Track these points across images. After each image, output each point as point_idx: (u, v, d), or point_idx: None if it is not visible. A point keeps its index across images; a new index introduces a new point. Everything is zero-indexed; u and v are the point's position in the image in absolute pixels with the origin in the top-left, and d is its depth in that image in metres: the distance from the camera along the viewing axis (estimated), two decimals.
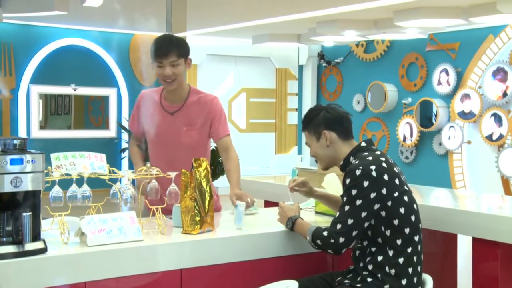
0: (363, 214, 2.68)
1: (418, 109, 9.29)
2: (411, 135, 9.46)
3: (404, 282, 2.69)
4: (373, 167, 2.70)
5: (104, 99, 11.42)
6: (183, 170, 2.89)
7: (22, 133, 10.52)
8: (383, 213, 2.71)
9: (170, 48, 3.27)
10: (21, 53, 10.57)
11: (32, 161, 2.40)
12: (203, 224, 2.85)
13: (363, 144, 2.91)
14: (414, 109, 9.34)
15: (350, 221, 2.69)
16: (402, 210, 2.72)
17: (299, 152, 11.36)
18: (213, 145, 3.65)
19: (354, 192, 2.70)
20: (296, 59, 11.45)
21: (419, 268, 2.76)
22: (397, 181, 2.74)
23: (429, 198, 4.07)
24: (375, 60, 10.14)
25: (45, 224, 2.63)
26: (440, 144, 9.09)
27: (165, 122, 3.41)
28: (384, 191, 2.69)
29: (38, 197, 2.46)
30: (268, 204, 4.61)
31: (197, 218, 2.82)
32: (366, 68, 10.27)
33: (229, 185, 3.36)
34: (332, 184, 3.30)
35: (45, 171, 2.48)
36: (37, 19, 9.73)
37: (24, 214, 2.39)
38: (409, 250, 2.72)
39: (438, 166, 9.15)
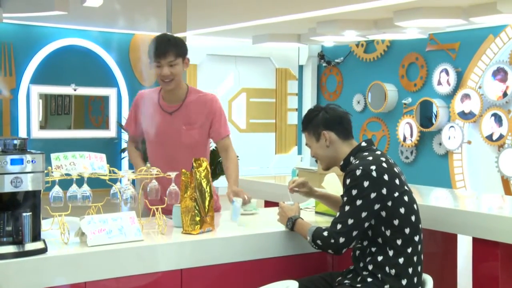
0: (363, 214, 2.68)
1: (418, 109, 9.29)
2: (411, 135, 9.46)
3: (404, 282, 2.69)
4: (373, 167, 2.70)
5: (104, 99, 11.42)
6: (183, 170, 2.88)
7: (22, 133, 10.52)
8: (383, 213, 2.71)
9: (168, 48, 3.26)
10: (21, 53, 10.57)
11: (32, 161, 2.39)
12: (203, 224, 2.85)
13: (363, 144, 2.91)
14: (414, 109, 9.34)
15: (350, 221, 2.69)
16: (402, 210, 2.72)
17: (299, 152, 11.36)
18: (213, 145, 3.66)
19: (354, 192, 2.70)
20: (296, 59, 11.45)
21: (419, 268, 2.76)
22: (397, 181, 2.74)
23: (429, 198, 4.07)
24: (375, 60, 10.14)
25: (45, 224, 2.63)
26: (440, 144, 9.09)
27: (164, 122, 3.40)
28: (384, 191, 2.69)
29: (38, 197, 2.46)
30: (268, 204, 4.60)
31: (197, 218, 2.82)
32: (366, 68, 10.27)
33: (227, 183, 3.37)
34: (332, 184, 3.30)
35: (45, 171, 2.48)
36: (37, 19, 9.73)
37: (24, 214, 2.39)
38: (409, 250, 2.72)
39: (438, 166, 9.15)
